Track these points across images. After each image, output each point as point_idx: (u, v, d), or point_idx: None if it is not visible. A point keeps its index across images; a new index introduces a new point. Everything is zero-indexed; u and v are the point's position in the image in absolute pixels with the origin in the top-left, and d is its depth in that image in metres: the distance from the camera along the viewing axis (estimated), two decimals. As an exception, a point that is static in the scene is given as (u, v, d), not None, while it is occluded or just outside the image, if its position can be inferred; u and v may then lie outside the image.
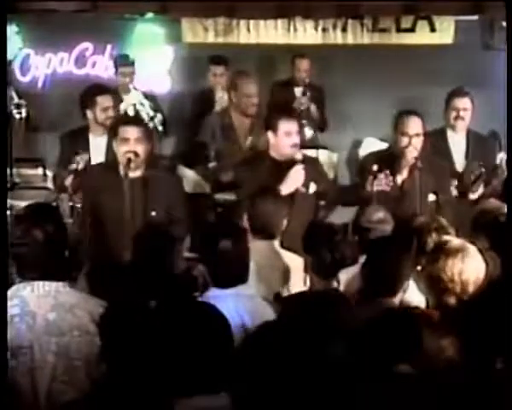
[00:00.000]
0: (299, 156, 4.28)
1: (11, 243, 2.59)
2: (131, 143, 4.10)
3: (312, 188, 4.33)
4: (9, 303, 2.54)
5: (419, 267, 3.55)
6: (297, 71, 6.16)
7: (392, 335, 2.33)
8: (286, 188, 4.18)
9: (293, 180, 4.21)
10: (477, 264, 2.90)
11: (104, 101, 4.96)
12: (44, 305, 2.54)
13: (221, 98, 5.79)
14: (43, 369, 2.51)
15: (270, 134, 4.37)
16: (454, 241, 3.03)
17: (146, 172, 4.18)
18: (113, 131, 4.29)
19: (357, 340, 2.40)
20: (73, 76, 6.60)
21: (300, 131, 4.44)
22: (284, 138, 4.30)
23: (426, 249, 3.54)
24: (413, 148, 4.47)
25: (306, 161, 4.36)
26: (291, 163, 4.28)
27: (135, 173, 4.15)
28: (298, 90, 6.05)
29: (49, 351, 2.51)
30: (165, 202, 4.17)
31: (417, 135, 4.49)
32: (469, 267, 2.87)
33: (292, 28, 6.62)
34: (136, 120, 4.65)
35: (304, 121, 5.36)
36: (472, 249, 2.93)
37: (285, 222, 3.80)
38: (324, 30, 6.60)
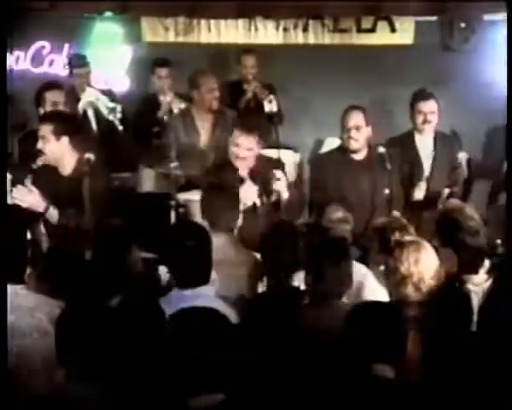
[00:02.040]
0: (243, 173, 4.44)
1: None
2: (40, 141, 4.24)
3: (273, 198, 4.42)
4: None
5: (382, 267, 3.59)
6: (243, 68, 6.15)
7: (372, 332, 2.36)
8: (241, 205, 4.21)
9: (244, 198, 4.24)
10: (431, 256, 3.17)
11: (52, 96, 4.96)
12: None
13: (167, 100, 5.71)
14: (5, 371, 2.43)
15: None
16: (409, 237, 3.37)
17: (75, 172, 4.24)
18: None
19: (330, 341, 2.40)
20: (30, 74, 6.49)
21: (253, 148, 4.51)
22: (233, 148, 4.50)
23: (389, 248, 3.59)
24: (353, 140, 4.70)
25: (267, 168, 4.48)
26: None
27: (66, 171, 4.25)
28: (248, 88, 6.03)
29: (10, 353, 2.45)
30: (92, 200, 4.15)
31: (356, 128, 4.70)
32: (423, 257, 3.14)
33: (253, 28, 6.61)
34: (50, 117, 4.50)
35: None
36: (425, 243, 3.22)
37: (240, 217, 3.82)
38: (285, 30, 6.60)
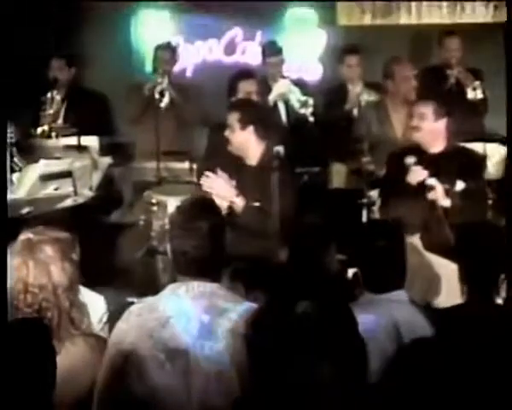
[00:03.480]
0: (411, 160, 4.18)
1: (171, 238, 2.50)
2: (227, 129, 4.26)
3: (460, 186, 4.07)
4: (165, 302, 2.42)
5: None
6: (446, 51, 5.73)
7: None
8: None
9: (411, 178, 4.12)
10: None
11: (245, 86, 4.99)
12: (199, 307, 2.39)
13: (356, 91, 5.56)
14: (197, 375, 2.33)
15: None
16: None
17: (261, 163, 4.18)
18: None
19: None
20: (223, 64, 6.52)
21: (426, 115, 4.24)
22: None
23: None
24: None
25: (455, 155, 4.20)
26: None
27: (252, 162, 4.21)
28: (451, 73, 5.64)
29: (203, 356, 2.35)
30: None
31: None
32: None
33: (458, 7, 6.25)
34: (237, 105, 4.48)
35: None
36: None
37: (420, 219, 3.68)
38: (496, 7, 6.17)
